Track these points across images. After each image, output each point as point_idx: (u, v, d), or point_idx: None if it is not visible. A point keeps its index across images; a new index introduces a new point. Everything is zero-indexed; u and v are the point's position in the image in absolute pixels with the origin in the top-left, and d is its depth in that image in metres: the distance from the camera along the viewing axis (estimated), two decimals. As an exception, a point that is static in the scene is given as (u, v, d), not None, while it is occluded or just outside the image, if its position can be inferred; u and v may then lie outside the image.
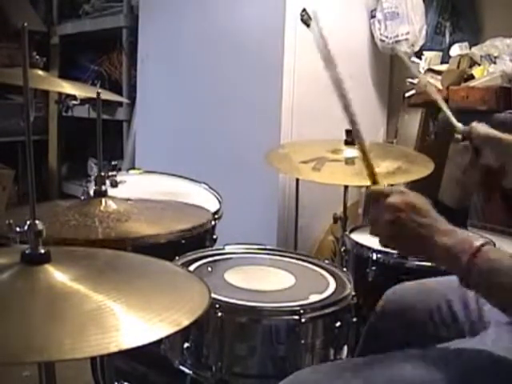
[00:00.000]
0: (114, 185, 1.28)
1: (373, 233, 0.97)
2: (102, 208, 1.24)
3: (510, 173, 1.28)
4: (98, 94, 1.25)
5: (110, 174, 1.29)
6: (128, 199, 1.32)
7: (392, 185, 1.01)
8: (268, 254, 1.46)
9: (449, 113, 1.47)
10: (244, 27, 2.27)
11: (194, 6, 2.43)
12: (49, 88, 1.42)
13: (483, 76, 2.03)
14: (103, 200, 1.27)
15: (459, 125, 1.41)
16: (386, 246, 0.99)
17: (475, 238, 0.90)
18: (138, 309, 0.76)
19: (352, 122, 1.10)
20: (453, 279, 1.25)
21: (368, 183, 1.06)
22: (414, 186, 2.19)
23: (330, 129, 2.14)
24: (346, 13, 2.36)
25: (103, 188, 1.27)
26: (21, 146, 3.40)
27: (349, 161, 1.77)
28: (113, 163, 1.32)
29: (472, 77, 2.08)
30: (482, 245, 0.88)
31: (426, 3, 2.36)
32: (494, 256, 0.87)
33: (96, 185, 1.28)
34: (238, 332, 1.14)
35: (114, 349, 0.67)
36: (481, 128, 1.33)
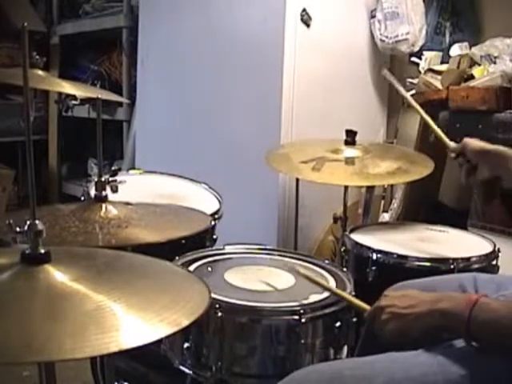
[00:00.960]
0: (115, 190, 1.28)
1: (383, 336, 1.02)
2: (102, 214, 1.24)
3: (507, 181, 1.29)
4: (98, 95, 1.25)
5: (111, 179, 1.28)
6: (128, 203, 1.32)
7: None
8: (268, 254, 1.46)
9: (439, 132, 1.48)
10: (244, 27, 2.27)
11: (194, 6, 2.43)
12: (49, 88, 1.41)
13: (483, 76, 2.02)
14: (103, 205, 1.26)
15: (451, 143, 1.42)
16: (397, 343, 1.02)
17: (469, 294, 0.96)
18: (138, 309, 0.76)
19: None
20: (452, 278, 1.25)
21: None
22: (414, 186, 2.20)
23: (330, 129, 2.15)
24: (346, 13, 2.36)
25: (103, 193, 1.27)
26: (21, 146, 3.40)
27: (349, 161, 1.77)
28: (113, 168, 1.31)
29: (472, 77, 2.08)
30: (478, 298, 0.91)
31: (426, 3, 2.36)
32: (492, 304, 0.91)
33: (96, 190, 1.28)
34: (238, 332, 1.14)
35: (114, 349, 0.67)
36: (473, 143, 1.34)
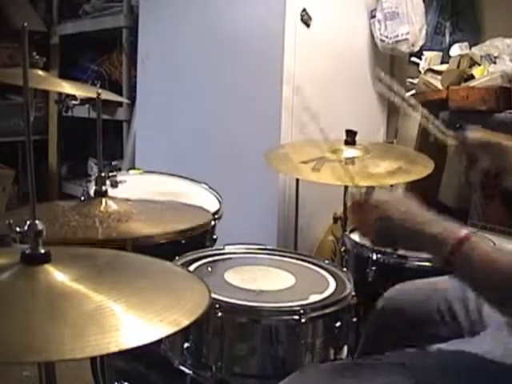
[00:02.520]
0: (114, 185, 1.28)
1: (361, 234, 1.00)
2: (102, 208, 1.24)
3: (508, 175, 1.28)
4: (98, 94, 1.25)
5: (110, 174, 1.28)
6: (128, 199, 1.32)
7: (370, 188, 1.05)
8: (268, 253, 1.46)
9: (436, 128, 1.46)
10: (244, 27, 2.27)
11: (194, 6, 2.43)
12: (49, 88, 1.41)
13: (483, 76, 2.03)
14: (103, 200, 1.27)
15: (450, 133, 1.40)
16: (376, 243, 1.02)
17: (460, 227, 0.91)
18: (138, 309, 0.76)
19: None
20: (453, 279, 1.25)
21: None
22: (414, 185, 2.20)
23: (329, 129, 2.14)
24: (346, 13, 2.36)
25: (103, 188, 1.27)
26: (21, 146, 3.40)
27: (349, 161, 1.77)
28: (113, 163, 1.31)
29: (472, 77, 2.08)
30: (469, 234, 0.89)
31: (426, 3, 2.36)
32: (481, 244, 0.88)
33: (96, 185, 1.28)
34: (238, 332, 1.14)
35: (113, 349, 0.67)
36: (472, 135, 1.32)
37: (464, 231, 0.89)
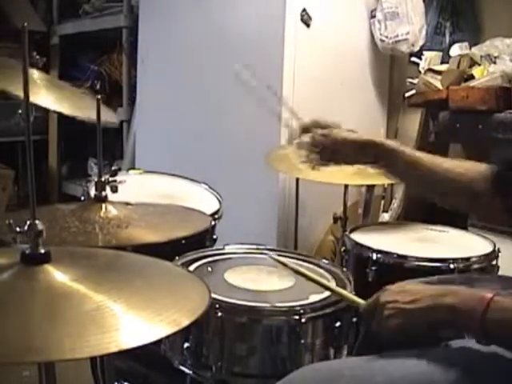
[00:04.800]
0: (114, 190, 1.28)
1: (384, 333, 0.98)
2: (102, 214, 1.24)
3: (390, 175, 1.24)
4: (98, 97, 1.25)
5: (111, 179, 1.28)
6: (128, 203, 1.32)
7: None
8: (268, 253, 1.46)
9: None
10: (244, 27, 2.27)
11: (194, 6, 2.43)
12: (47, 106, 1.38)
13: (483, 76, 2.02)
14: (103, 206, 1.26)
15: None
16: (399, 341, 0.98)
17: (483, 291, 0.89)
18: (138, 309, 0.76)
19: None
20: (452, 277, 1.25)
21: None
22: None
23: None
24: (346, 13, 2.36)
25: (103, 194, 1.27)
26: (21, 146, 3.39)
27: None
28: (113, 168, 1.31)
29: (472, 77, 2.08)
30: (493, 297, 0.87)
31: (426, 3, 2.36)
32: (507, 305, 0.86)
33: (96, 190, 1.28)
34: (238, 332, 1.14)
35: (113, 349, 0.67)
36: (338, 134, 1.24)
37: (488, 294, 0.87)
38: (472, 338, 0.93)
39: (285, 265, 1.22)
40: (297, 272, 1.19)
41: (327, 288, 1.16)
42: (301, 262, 1.41)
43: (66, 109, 1.39)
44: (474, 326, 0.87)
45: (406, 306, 0.94)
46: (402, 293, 0.97)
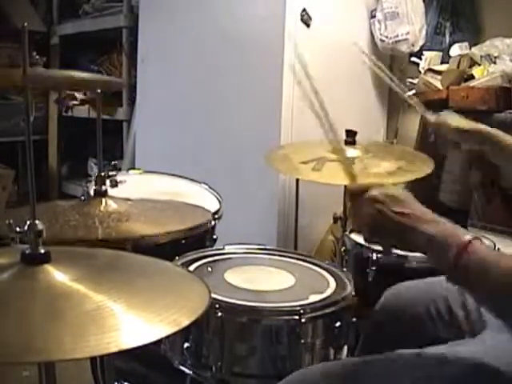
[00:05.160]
0: (114, 185, 1.28)
1: (355, 228, 0.97)
2: (102, 208, 1.24)
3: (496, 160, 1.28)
4: (98, 94, 1.25)
5: (110, 173, 1.28)
6: (128, 199, 1.32)
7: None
8: (268, 253, 1.46)
9: (417, 103, 1.44)
10: (244, 27, 2.27)
11: (194, 6, 2.42)
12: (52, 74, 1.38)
13: (483, 76, 2.03)
14: (103, 200, 1.27)
15: (430, 117, 1.39)
16: (369, 241, 0.98)
17: (464, 232, 0.87)
18: (138, 309, 0.76)
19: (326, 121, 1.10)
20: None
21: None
22: (414, 185, 2.19)
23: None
24: (346, 13, 2.36)
25: (103, 188, 1.27)
26: (21, 146, 3.39)
27: (349, 161, 1.77)
28: (113, 163, 1.32)
29: (472, 77, 2.08)
30: (470, 240, 0.84)
31: (426, 3, 2.36)
32: (482, 252, 0.84)
33: (96, 185, 1.28)
34: (238, 332, 1.14)
35: (114, 349, 0.67)
36: (449, 123, 1.29)
37: (468, 236, 0.85)
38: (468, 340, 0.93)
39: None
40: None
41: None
42: (301, 262, 1.41)
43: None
44: (445, 263, 0.85)
45: (391, 213, 0.91)
46: (393, 198, 0.93)
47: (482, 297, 0.87)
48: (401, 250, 0.92)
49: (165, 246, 1.29)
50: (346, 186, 1.88)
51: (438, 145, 1.37)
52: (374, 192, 0.94)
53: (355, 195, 0.97)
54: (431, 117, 1.37)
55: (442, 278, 1.22)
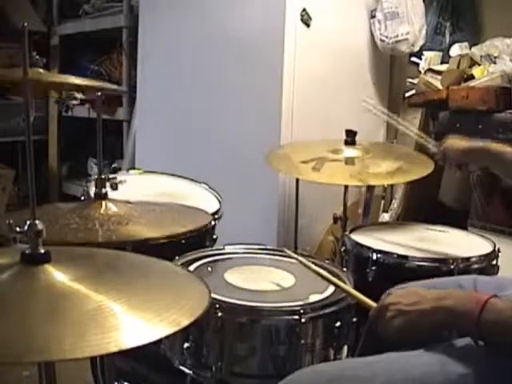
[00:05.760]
0: (115, 188, 1.28)
1: (387, 334, 1.01)
2: (102, 211, 1.24)
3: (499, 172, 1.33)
4: (98, 94, 1.25)
5: (110, 176, 1.28)
6: (128, 202, 1.32)
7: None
8: (268, 253, 1.46)
9: (422, 140, 1.56)
10: (244, 27, 2.27)
11: (194, 6, 2.43)
12: (52, 80, 1.39)
13: (483, 76, 2.03)
14: (103, 203, 1.27)
15: (434, 149, 1.50)
16: (402, 342, 1.01)
17: (478, 294, 0.93)
18: (138, 309, 0.76)
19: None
20: (452, 280, 1.25)
21: None
22: (414, 185, 2.20)
23: (330, 129, 2.15)
24: (346, 13, 2.36)
25: (103, 191, 1.27)
26: (21, 146, 3.40)
27: (349, 161, 1.77)
28: (113, 166, 1.32)
29: (472, 77, 2.08)
30: (488, 299, 0.89)
31: (426, 3, 2.36)
32: (502, 306, 0.89)
33: (96, 187, 1.28)
34: (237, 332, 1.14)
35: (113, 349, 0.67)
36: (452, 148, 1.42)
37: (484, 296, 0.90)
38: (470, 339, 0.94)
39: (305, 265, 1.25)
40: (315, 272, 1.22)
41: (345, 291, 1.17)
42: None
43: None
44: (470, 326, 0.90)
45: (408, 307, 0.97)
46: (405, 295, 1.01)
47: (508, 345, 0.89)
48: (431, 335, 0.98)
49: (165, 246, 1.29)
50: (345, 187, 1.90)
51: (447, 166, 1.46)
52: (387, 299, 1.02)
53: (376, 314, 1.03)
54: (435, 148, 1.46)
55: (443, 278, 1.23)
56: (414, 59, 2.42)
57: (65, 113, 3.56)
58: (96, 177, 1.28)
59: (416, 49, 2.35)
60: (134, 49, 2.86)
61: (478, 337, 0.91)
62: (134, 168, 2.70)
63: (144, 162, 2.66)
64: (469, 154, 1.38)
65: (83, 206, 1.28)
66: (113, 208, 1.26)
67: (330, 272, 1.34)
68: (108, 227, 1.18)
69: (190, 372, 1.18)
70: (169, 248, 1.30)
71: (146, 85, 2.73)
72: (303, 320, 1.11)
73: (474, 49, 2.18)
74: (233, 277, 1.28)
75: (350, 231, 1.68)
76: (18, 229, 0.83)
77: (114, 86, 1.88)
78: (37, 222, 0.82)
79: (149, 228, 1.24)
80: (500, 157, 1.31)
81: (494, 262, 1.51)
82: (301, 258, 1.28)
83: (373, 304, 1.08)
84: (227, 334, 1.13)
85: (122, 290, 0.80)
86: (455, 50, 2.26)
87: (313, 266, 1.24)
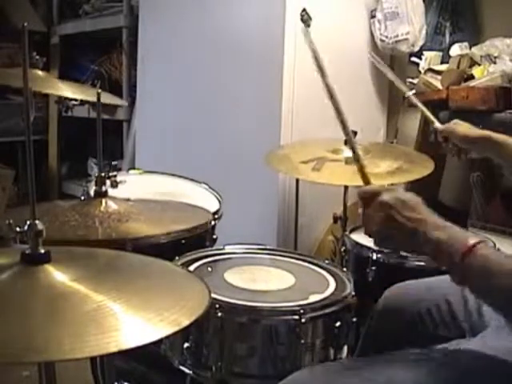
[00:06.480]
0: (114, 185, 1.28)
1: (367, 232, 0.98)
2: (102, 208, 1.24)
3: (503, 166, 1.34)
4: (98, 94, 1.25)
5: (110, 174, 1.28)
6: (128, 199, 1.32)
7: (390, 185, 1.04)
8: (268, 253, 1.46)
9: (427, 113, 1.54)
10: (244, 27, 2.27)
11: (194, 6, 2.42)
12: (48, 91, 1.41)
13: (483, 76, 2.03)
14: (103, 200, 1.27)
15: (439, 125, 1.49)
16: (379, 245, 0.99)
17: (469, 235, 0.89)
18: (138, 309, 0.76)
19: (344, 126, 1.14)
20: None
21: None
22: (414, 185, 2.19)
23: (329, 129, 2.14)
24: (346, 13, 2.36)
25: (103, 188, 1.27)
26: (21, 146, 3.39)
27: (349, 161, 1.77)
28: (113, 163, 1.32)
29: (472, 77, 2.08)
30: (475, 244, 0.87)
31: (426, 3, 2.36)
32: (486, 255, 0.86)
33: (96, 185, 1.28)
34: (237, 332, 1.14)
35: (113, 349, 0.67)
36: (458, 130, 1.43)
37: (474, 239, 0.87)
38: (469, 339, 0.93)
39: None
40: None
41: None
42: (301, 262, 1.41)
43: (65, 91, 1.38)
44: (452, 265, 0.88)
45: (402, 219, 0.93)
46: (403, 203, 0.94)
47: (485, 294, 0.88)
48: (407, 252, 0.95)
49: (165, 246, 1.29)
50: (345, 187, 1.90)
51: (447, 150, 1.46)
52: (385, 196, 0.95)
53: (366, 199, 0.98)
54: (440, 125, 1.46)
55: (443, 277, 1.23)
56: (413, 59, 2.42)
57: (65, 113, 3.54)
58: (96, 175, 1.28)
59: (416, 49, 2.35)
60: (134, 49, 2.86)
61: (458, 279, 0.89)
62: (134, 168, 2.70)
63: (144, 162, 2.66)
64: (472, 139, 1.39)
65: (83, 204, 1.28)
66: (113, 206, 1.26)
67: (329, 272, 1.34)
68: (108, 224, 1.18)
69: (190, 372, 1.18)
70: (169, 248, 1.30)
71: (145, 85, 2.73)
72: (303, 320, 1.11)
73: (474, 49, 2.18)
74: (233, 277, 1.28)
75: (350, 231, 1.68)
76: (18, 229, 0.83)
77: (115, 101, 1.88)
78: (37, 221, 0.82)
79: (148, 225, 1.25)
80: (503, 146, 1.32)
81: (494, 262, 1.51)
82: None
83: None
84: (227, 334, 1.13)
85: (122, 290, 0.80)
86: (455, 50, 2.26)
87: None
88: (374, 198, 0.96)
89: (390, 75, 1.72)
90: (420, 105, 1.63)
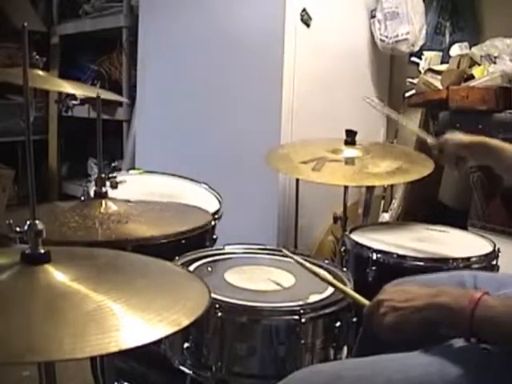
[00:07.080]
0: (114, 186, 1.28)
1: (381, 331, 1.00)
2: (102, 210, 1.24)
3: (497, 169, 1.34)
4: (98, 94, 1.25)
5: (110, 175, 1.28)
6: (128, 201, 1.32)
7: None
8: (268, 253, 1.46)
9: (418, 131, 1.56)
10: (244, 27, 2.27)
11: (194, 6, 2.43)
12: (49, 88, 1.41)
13: (483, 76, 2.03)
14: (103, 202, 1.27)
15: (431, 140, 1.50)
16: (394, 338, 1.01)
17: (472, 291, 0.94)
18: (138, 309, 0.76)
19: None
20: (453, 276, 1.25)
21: None
22: (414, 185, 2.20)
23: (330, 129, 2.15)
24: (346, 13, 2.36)
25: (103, 189, 1.27)
26: (21, 146, 3.39)
27: (349, 161, 1.77)
28: (113, 165, 1.32)
29: (472, 77, 2.08)
30: (480, 297, 0.90)
31: (426, 3, 2.36)
32: (493, 303, 0.89)
33: (96, 186, 1.28)
34: (237, 332, 1.14)
35: (113, 349, 0.67)
36: (451, 139, 1.41)
37: (478, 293, 0.91)
38: (462, 337, 0.95)
39: (302, 265, 1.24)
40: (313, 272, 1.22)
41: (341, 290, 1.17)
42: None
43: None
44: (463, 323, 0.90)
45: (401, 304, 0.97)
46: (399, 292, 1.00)
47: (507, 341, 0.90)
48: (424, 332, 0.98)
49: (165, 246, 1.29)
50: (345, 187, 1.90)
51: (445, 161, 1.48)
52: (380, 295, 1.02)
53: (370, 311, 1.03)
54: (433, 140, 1.46)
55: (441, 274, 1.23)
56: (413, 59, 2.42)
57: (65, 113, 3.55)
58: (96, 176, 1.28)
59: (416, 49, 2.35)
60: (134, 49, 2.86)
61: (470, 334, 0.91)
62: (134, 168, 2.70)
63: (144, 162, 2.66)
64: (468, 147, 1.38)
65: (83, 205, 1.28)
66: (112, 207, 1.26)
67: (328, 272, 1.34)
68: (108, 226, 1.18)
69: (190, 372, 1.18)
70: (169, 248, 1.30)
71: (145, 85, 2.73)
72: (303, 320, 1.11)
73: (474, 49, 2.18)
74: (233, 277, 1.28)
75: (350, 231, 1.68)
76: (18, 229, 0.83)
77: (115, 97, 1.88)
78: (37, 221, 0.82)
79: (148, 227, 1.24)
80: (499, 152, 1.32)
81: (494, 262, 1.51)
82: (296, 257, 1.28)
83: (367, 302, 1.08)
84: (227, 334, 1.13)
85: (122, 290, 0.80)
86: (455, 50, 2.26)
87: (307, 265, 1.23)
88: (375, 307, 1.01)
89: (387, 112, 1.76)
90: (413, 127, 1.66)
